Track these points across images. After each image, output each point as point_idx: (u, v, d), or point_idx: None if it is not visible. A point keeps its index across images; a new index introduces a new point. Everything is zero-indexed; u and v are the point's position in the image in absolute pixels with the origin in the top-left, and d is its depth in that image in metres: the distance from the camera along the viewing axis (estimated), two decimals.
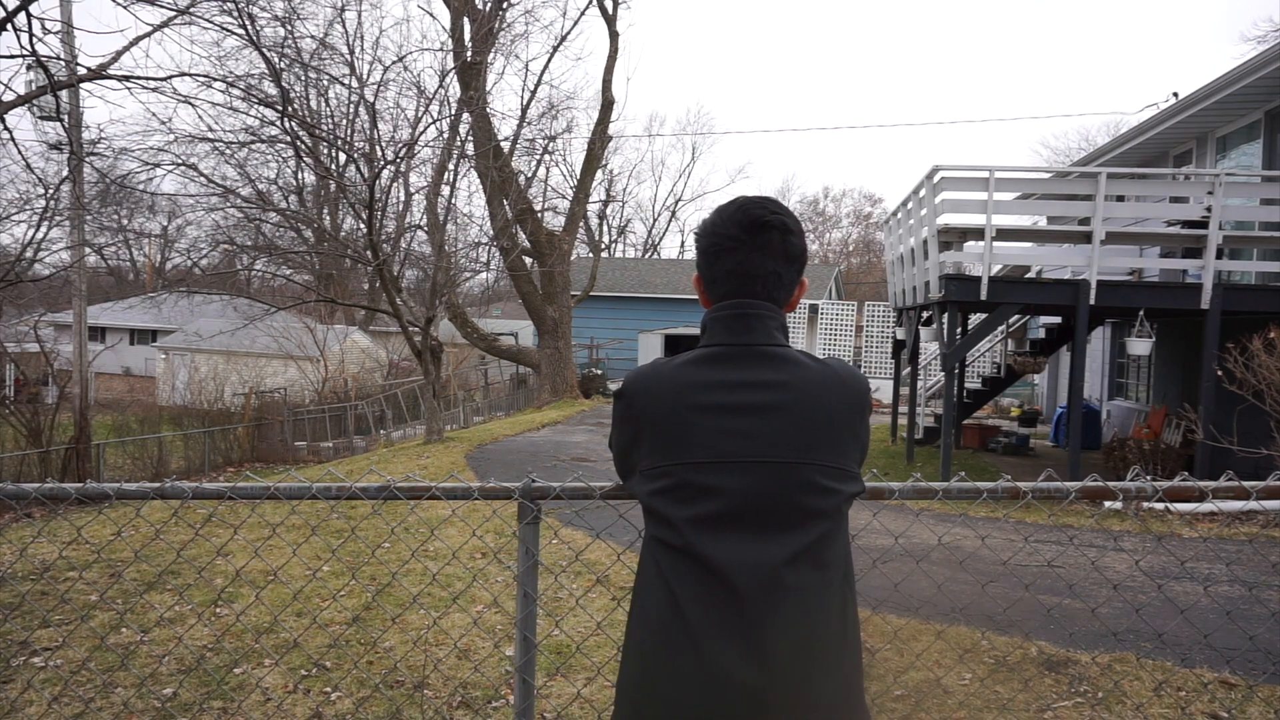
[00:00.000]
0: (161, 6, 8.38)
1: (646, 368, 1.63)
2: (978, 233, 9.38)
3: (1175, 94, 12.18)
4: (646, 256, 48.21)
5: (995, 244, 9.23)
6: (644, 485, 1.57)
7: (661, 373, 1.58)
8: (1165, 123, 11.32)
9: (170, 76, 8.72)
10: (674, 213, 52.15)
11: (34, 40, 6.86)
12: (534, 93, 19.75)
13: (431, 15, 47.86)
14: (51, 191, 10.49)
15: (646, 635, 1.51)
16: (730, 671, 1.41)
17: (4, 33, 6.88)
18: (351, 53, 15.11)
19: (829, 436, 1.53)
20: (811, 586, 1.47)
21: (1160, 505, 7.73)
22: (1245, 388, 6.94)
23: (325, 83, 15.49)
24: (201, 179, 13.68)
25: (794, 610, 1.45)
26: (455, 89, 15.52)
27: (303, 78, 15.02)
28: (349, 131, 17.57)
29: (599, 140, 21.12)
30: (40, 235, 11.58)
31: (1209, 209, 8.79)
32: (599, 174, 28.14)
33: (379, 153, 12.86)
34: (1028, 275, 12.91)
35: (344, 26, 17.27)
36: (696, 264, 1.69)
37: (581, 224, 28.22)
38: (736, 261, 1.60)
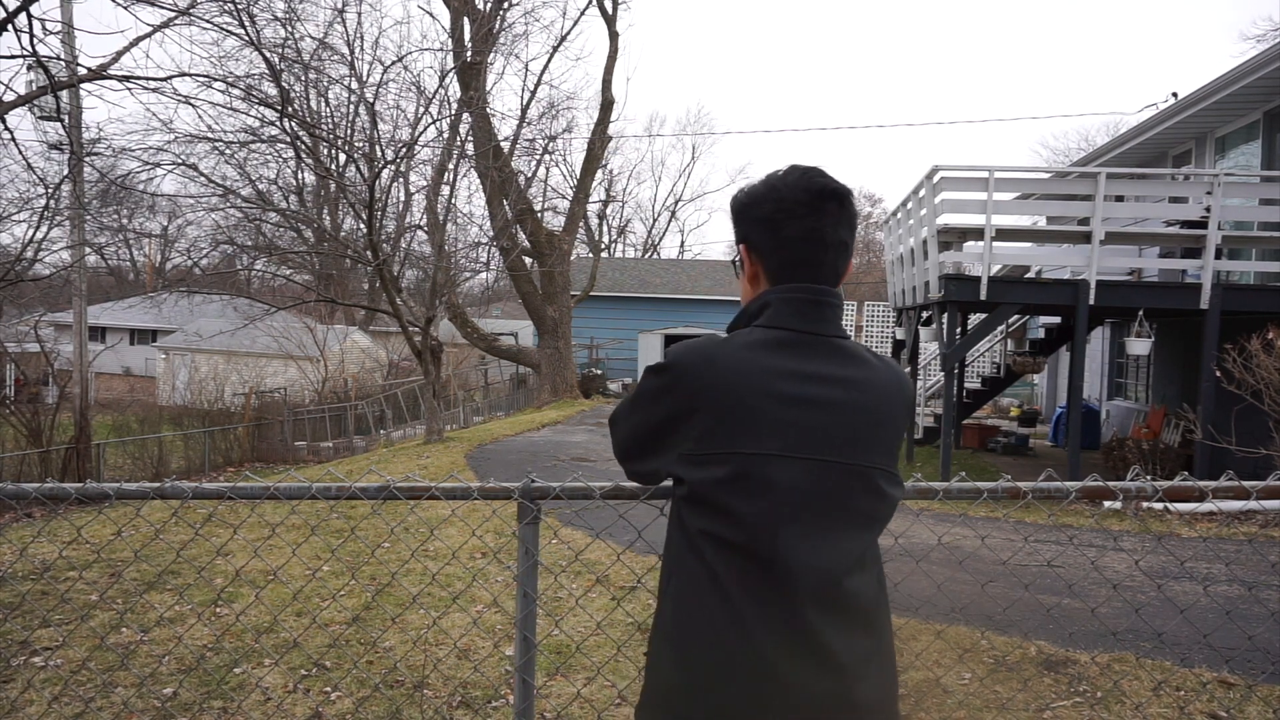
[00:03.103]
0: (161, 7, 8.38)
1: (699, 343, 1.50)
2: (977, 233, 9.38)
3: (1175, 94, 12.19)
4: (646, 256, 48.20)
5: (995, 244, 9.23)
6: (694, 471, 1.45)
7: (725, 351, 1.47)
8: (1165, 123, 11.32)
9: (170, 77, 8.71)
10: (674, 213, 52.18)
11: (34, 41, 6.85)
12: (534, 93, 19.75)
13: (431, 15, 47.87)
14: (51, 191, 10.48)
15: (694, 638, 1.43)
16: (792, 677, 1.37)
17: (4, 33, 6.87)
18: (351, 53, 15.04)
19: (891, 440, 1.49)
20: (869, 591, 1.45)
21: (1160, 505, 7.73)
22: (1244, 388, 6.94)
23: (325, 83, 15.49)
24: (201, 179, 13.68)
25: (856, 615, 1.42)
26: (455, 89, 15.54)
27: (303, 78, 15.01)
28: (349, 131, 17.58)
29: (599, 140, 21.11)
30: (40, 235, 11.57)
31: (1208, 209, 8.80)
32: (599, 174, 28.15)
33: (379, 153, 12.86)
34: (1027, 275, 12.92)
35: (344, 27, 17.25)
36: (744, 237, 1.58)
37: (581, 224, 28.24)
38: (808, 229, 1.51)
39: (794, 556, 1.39)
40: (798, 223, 1.51)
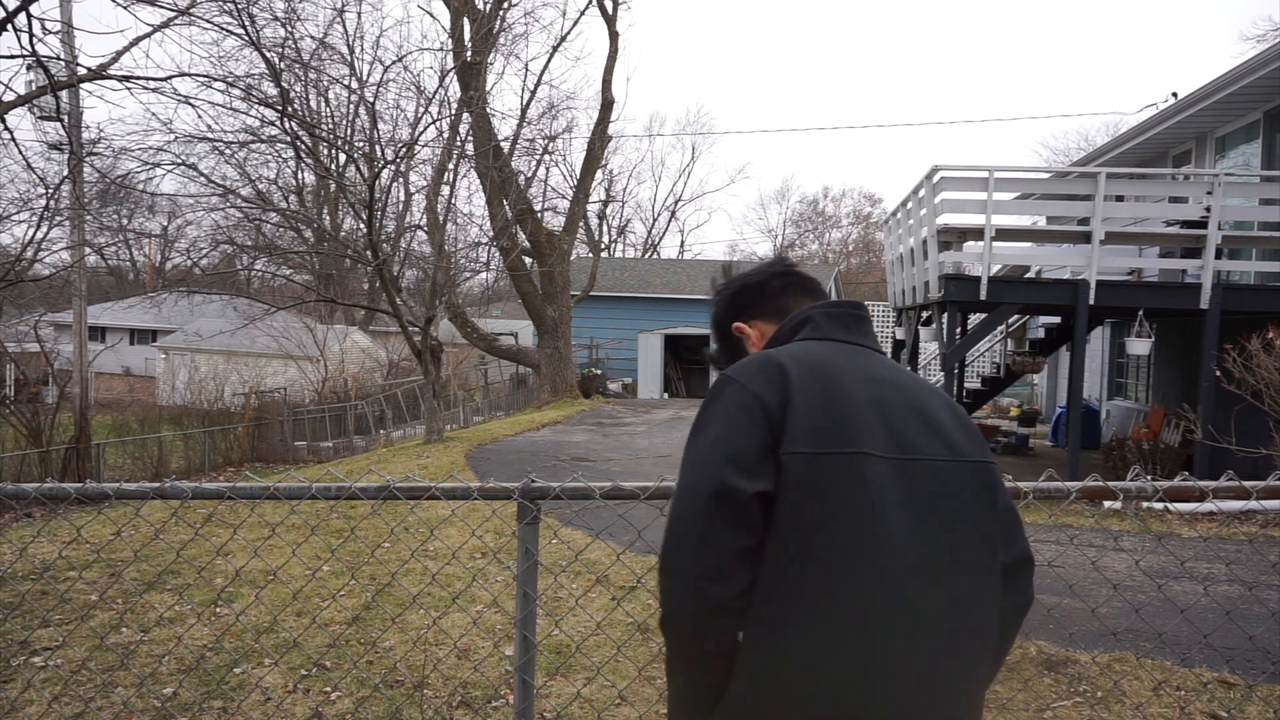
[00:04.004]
0: (161, 7, 8.38)
1: (759, 356, 1.45)
2: (977, 233, 9.38)
3: (1174, 94, 12.18)
4: (646, 256, 48.19)
5: (995, 244, 9.23)
6: (782, 478, 1.32)
7: (790, 357, 1.41)
8: (1164, 123, 11.31)
9: (170, 76, 8.71)
10: (674, 213, 52.13)
11: (34, 40, 6.85)
12: (534, 93, 19.73)
13: (431, 15, 47.85)
14: (51, 191, 10.49)
15: (804, 652, 1.30)
16: (904, 704, 1.30)
17: (4, 33, 6.87)
18: (351, 53, 15.07)
19: (977, 435, 1.49)
20: (981, 607, 1.41)
21: (1160, 505, 7.73)
22: (1244, 387, 6.94)
23: (325, 83, 15.50)
24: (201, 179, 13.70)
25: (961, 634, 1.37)
26: (455, 89, 15.53)
27: (303, 78, 15.02)
28: (349, 131, 17.58)
29: (599, 140, 21.09)
30: (40, 235, 11.59)
31: (1208, 209, 8.79)
32: (599, 174, 28.12)
33: (379, 153, 12.87)
34: (1027, 275, 12.91)
35: (344, 27, 17.22)
36: (734, 317, 1.69)
37: (581, 224, 28.23)
38: (774, 271, 1.69)
39: (901, 567, 1.31)
40: (765, 270, 1.70)
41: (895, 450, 1.35)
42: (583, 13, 20.48)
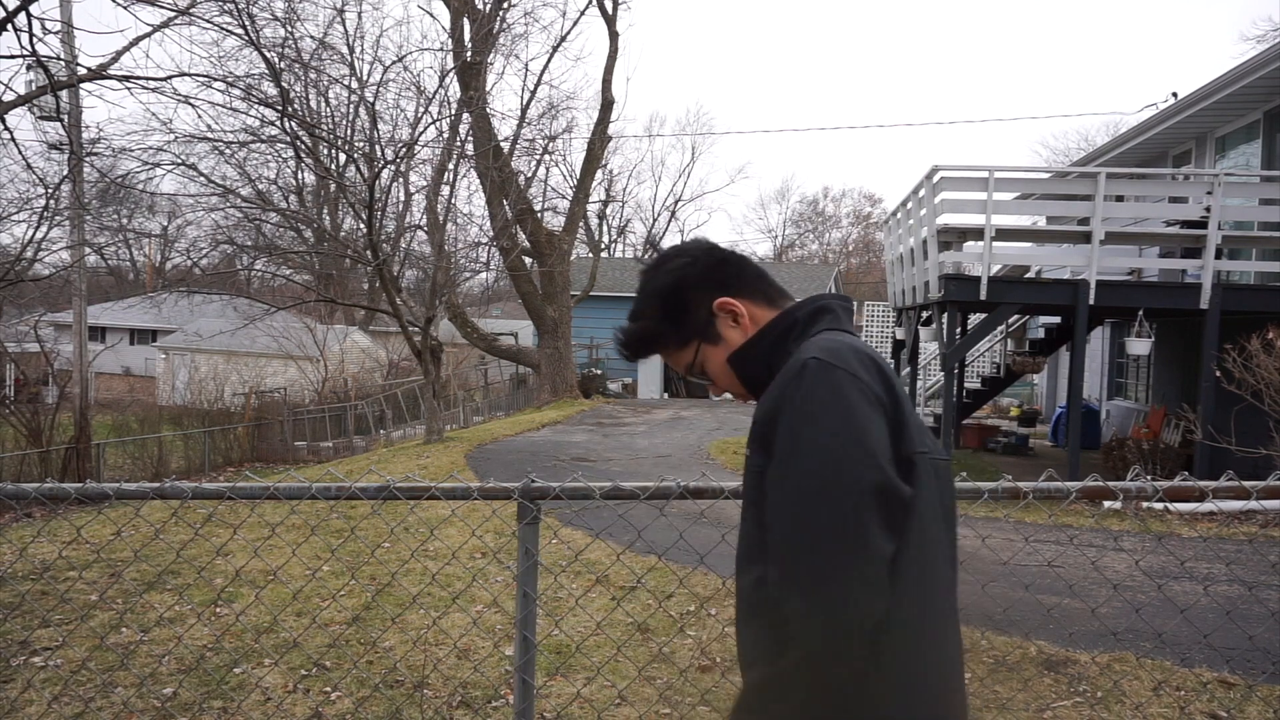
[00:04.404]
0: (161, 7, 8.39)
1: (841, 340, 1.31)
2: (977, 233, 9.38)
3: (1175, 94, 12.18)
4: (647, 256, 48.13)
5: (995, 244, 9.23)
6: (926, 470, 1.25)
7: (858, 347, 1.31)
8: (1165, 123, 11.32)
9: (170, 76, 8.71)
10: (674, 213, 52.03)
11: (34, 40, 6.85)
12: (534, 93, 19.72)
13: (431, 15, 47.87)
14: (51, 191, 10.49)
15: (924, 678, 1.24)
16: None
17: (4, 33, 6.88)
18: (351, 53, 15.08)
19: None
20: None
21: (1160, 505, 7.73)
22: (1244, 388, 6.94)
23: (325, 83, 15.51)
24: (201, 179, 13.71)
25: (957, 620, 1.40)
26: (455, 89, 15.54)
27: (303, 78, 15.03)
28: (349, 131, 17.59)
29: (599, 140, 21.09)
30: (40, 235, 11.60)
31: (1208, 209, 8.79)
32: (599, 174, 28.09)
33: (379, 153, 12.87)
34: (1027, 275, 12.91)
35: (344, 26, 17.25)
36: (709, 290, 1.44)
37: (581, 224, 28.22)
38: (729, 250, 1.52)
39: (950, 569, 1.32)
40: (718, 248, 1.49)
41: (932, 450, 1.32)
42: (583, 13, 20.48)
